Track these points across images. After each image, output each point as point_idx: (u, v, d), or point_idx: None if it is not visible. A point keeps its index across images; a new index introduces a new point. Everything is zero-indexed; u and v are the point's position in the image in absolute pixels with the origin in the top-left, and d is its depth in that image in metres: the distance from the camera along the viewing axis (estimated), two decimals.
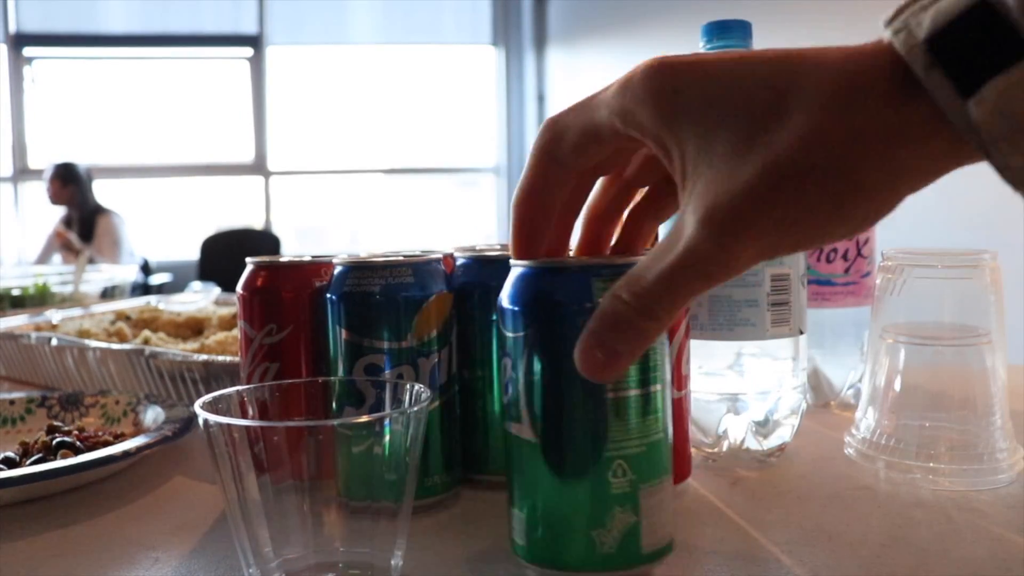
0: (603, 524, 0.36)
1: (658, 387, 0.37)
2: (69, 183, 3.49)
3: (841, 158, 0.29)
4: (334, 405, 0.43)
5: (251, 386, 0.42)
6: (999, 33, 0.26)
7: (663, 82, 0.32)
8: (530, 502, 0.37)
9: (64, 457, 0.55)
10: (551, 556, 0.37)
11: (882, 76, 0.28)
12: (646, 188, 0.41)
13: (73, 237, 3.34)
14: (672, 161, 0.32)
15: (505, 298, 0.38)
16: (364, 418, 0.37)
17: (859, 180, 0.29)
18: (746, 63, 0.31)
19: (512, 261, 0.39)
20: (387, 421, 0.37)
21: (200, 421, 0.36)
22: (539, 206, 0.38)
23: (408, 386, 0.41)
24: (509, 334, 0.37)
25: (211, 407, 0.38)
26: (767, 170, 0.29)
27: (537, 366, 0.37)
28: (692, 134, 0.31)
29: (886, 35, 0.29)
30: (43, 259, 3.39)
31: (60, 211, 3.55)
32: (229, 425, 0.35)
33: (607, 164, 0.38)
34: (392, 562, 0.38)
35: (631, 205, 0.41)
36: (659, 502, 0.37)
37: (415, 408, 0.38)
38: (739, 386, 0.55)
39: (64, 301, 1.36)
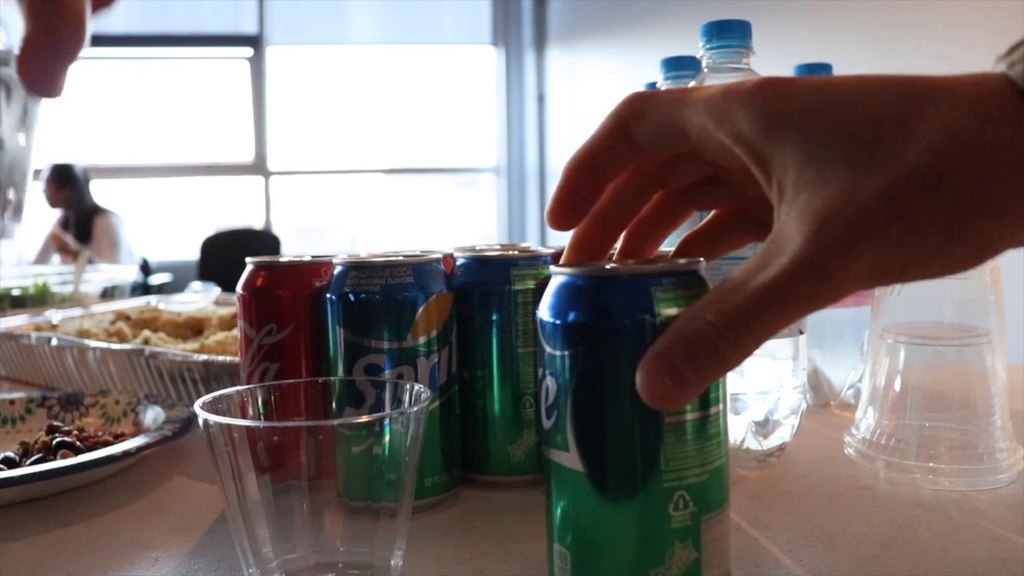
0: (662, 562, 0.32)
1: (719, 408, 0.33)
2: (65, 185, 3.48)
3: (979, 172, 0.27)
4: (334, 405, 0.43)
5: (251, 386, 0.42)
6: None
7: (774, 90, 0.30)
8: (578, 539, 0.33)
9: (64, 457, 0.55)
10: None
11: (1012, 100, 0.27)
12: (702, 214, 0.38)
13: (69, 239, 3.33)
14: (770, 172, 0.30)
15: (547, 310, 0.33)
16: (364, 418, 0.37)
17: (994, 198, 0.27)
18: (867, 80, 0.29)
19: (553, 268, 0.34)
20: (387, 421, 0.37)
21: (200, 421, 0.36)
22: (594, 173, 0.35)
23: (408, 386, 0.41)
24: (554, 352, 0.33)
25: (211, 407, 0.38)
26: (895, 179, 0.27)
27: (589, 389, 0.32)
28: (800, 141, 0.29)
29: (1000, 67, 0.28)
30: (40, 261, 3.39)
31: (58, 212, 3.54)
32: (229, 425, 0.35)
33: (671, 172, 0.36)
34: (392, 562, 0.38)
35: (686, 234, 0.39)
36: (720, 534, 0.33)
37: (415, 408, 0.38)
38: (739, 386, 0.55)
39: (64, 301, 1.36)
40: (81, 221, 3.47)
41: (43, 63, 0.34)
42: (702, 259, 0.34)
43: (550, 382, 0.33)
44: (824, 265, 0.27)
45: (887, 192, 0.27)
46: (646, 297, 0.31)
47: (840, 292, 0.28)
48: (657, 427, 0.32)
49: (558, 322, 0.33)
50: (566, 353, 0.32)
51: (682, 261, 0.34)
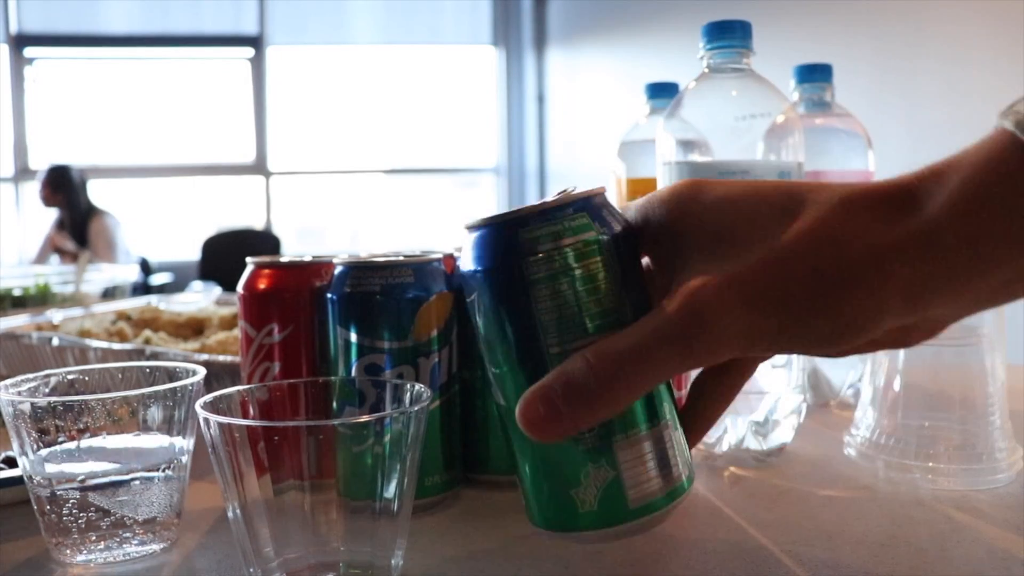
0: (578, 482, 0.34)
1: None
2: (60, 188, 3.46)
3: (834, 252, 0.30)
4: (334, 405, 0.43)
5: (251, 386, 0.42)
6: None
7: (688, 185, 0.35)
8: (520, 468, 0.37)
9: None
10: (542, 519, 0.36)
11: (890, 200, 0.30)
12: None
13: (67, 242, 3.33)
14: (676, 251, 0.34)
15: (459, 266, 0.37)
16: (364, 418, 0.37)
17: (845, 277, 0.30)
18: (760, 187, 0.34)
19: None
20: (387, 421, 0.37)
21: (200, 421, 0.36)
22: None
23: (408, 386, 0.41)
24: (468, 299, 0.36)
25: (211, 407, 0.38)
26: (763, 256, 0.31)
27: (486, 327, 0.35)
28: (699, 229, 0.34)
29: (1006, 124, 0.29)
30: (39, 261, 3.39)
31: (56, 212, 3.54)
32: (229, 425, 0.36)
33: None
34: (392, 562, 0.38)
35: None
36: (639, 453, 0.34)
37: (415, 408, 0.38)
38: None
39: (65, 301, 1.36)
40: (76, 223, 3.46)
41: None
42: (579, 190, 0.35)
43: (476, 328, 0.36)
44: (695, 326, 0.31)
45: (754, 266, 0.31)
46: (513, 239, 0.34)
47: (714, 350, 0.31)
48: (540, 354, 0.34)
49: (462, 271, 0.36)
50: (471, 299, 0.36)
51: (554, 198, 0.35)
